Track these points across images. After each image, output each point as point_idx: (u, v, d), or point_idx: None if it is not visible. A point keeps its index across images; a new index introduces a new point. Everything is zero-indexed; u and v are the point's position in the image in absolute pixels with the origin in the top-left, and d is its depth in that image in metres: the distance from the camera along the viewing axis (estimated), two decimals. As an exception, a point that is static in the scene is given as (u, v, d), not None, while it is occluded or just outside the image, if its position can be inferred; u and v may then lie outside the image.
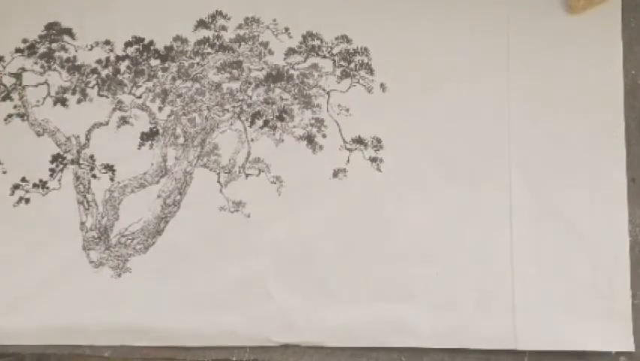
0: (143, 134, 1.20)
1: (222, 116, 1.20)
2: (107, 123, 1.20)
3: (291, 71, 1.21)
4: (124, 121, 1.20)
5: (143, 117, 1.20)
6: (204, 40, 1.23)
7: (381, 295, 1.11)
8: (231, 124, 1.19)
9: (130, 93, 1.22)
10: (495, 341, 1.08)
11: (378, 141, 1.16)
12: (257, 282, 1.12)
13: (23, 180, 1.18)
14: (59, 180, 1.19)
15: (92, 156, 1.19)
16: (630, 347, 1.07)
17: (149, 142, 1.19)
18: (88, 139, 1.20)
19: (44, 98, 1.22)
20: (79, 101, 1.22)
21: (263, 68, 1.21)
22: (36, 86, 1.23)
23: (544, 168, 1.13)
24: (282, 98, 1.20)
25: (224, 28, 1.23)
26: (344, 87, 1.19)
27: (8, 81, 1.23)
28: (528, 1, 1.20)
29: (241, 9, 1.23)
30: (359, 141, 1.17)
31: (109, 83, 1.22)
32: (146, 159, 1.19)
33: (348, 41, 1.21)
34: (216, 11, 1.24)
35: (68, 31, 1.25)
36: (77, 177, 1.18)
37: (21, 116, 1.21)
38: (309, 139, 1.18)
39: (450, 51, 1.19)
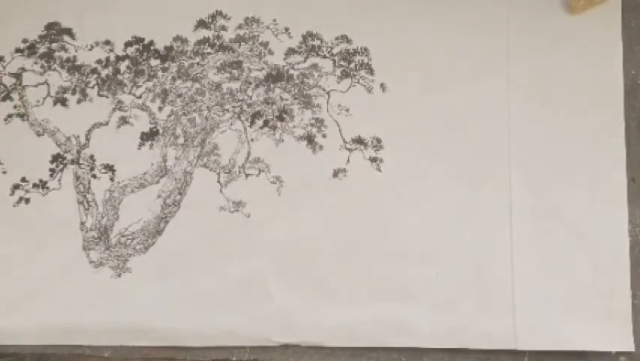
0: (143, 134, 1.20)
1: (222, 116, 1.20)
2: (107, 123, 1.20)
3: (291, 71, 1.21)
4: (124, 121, 1.20)
5: (143, 117, 1.20)
6: (204, 40, 1.23)
7: (381, 295, 1.11)
8: (231, 124, 1.19)
9: (130, 93, 1.22)
10: (495, 341, 1.08)
11: (378, 141, 1.16)
12: (257, 282, 1.12)
13: (23, 180, 1.18)
14: (59, 180, 1.19)
15: (92, 156, 1.19)
16: (630, 347, 1.07)
17: (149, 142, 1.19)
18: (88, 139, 1.20)
19: (44, 98, 1.22)
20: (79, 101, 1.22)
21: (263, 68, 1.21)
22: (36, 86, 1.23)
23: (544, 168, 1.13)
24: (282, 98, 1.20)
25: (224, 28, 1.23)
26: (344, 87, 1.19)
27: (8, 81, 1.23)
28: (528, 1, 1.20)
29: (241, 9, 1.23)
30: (359, 141, 1.17)
31: (109, 83, 1.22)
32: (146, 159, 1.19)
33: (348, 41, 1.21)
34: (216, 11, 1.24)
35: (68, 31, 1.25)
36: (77, 177, 1.18)
37: (21, 116, 1.21)
38: (309, 139, 1.18)
39: (450, 51, 1.19)
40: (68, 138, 1.20)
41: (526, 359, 1.08)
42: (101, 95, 1.22)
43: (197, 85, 1.21)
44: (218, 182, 1.17)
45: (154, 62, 1.22)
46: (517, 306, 1.09)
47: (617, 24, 1.18)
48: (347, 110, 1.18)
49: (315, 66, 1.20)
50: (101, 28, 1.24)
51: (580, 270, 1.10)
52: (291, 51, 1.21)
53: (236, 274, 1.12)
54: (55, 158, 1.19)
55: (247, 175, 1.17)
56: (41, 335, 1.12)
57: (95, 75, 1.23)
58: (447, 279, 1.10)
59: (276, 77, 1.20)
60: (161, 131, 1.20)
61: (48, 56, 1.24)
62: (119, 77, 1.22)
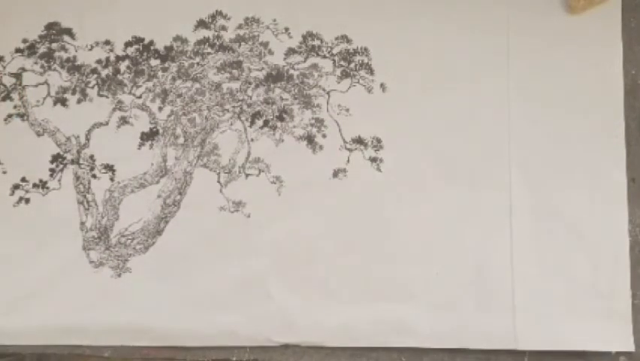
0: (143, 134, 1.20)
1: (222, 116, 1.20)
2: (107, 123, 1.20)
3: (291, 71, 1.21)
4: (124, 121, 1.20)
5: (143, 117, 1.20)
6: (204, 41, 1.23)
7: (381, 295, 1.11)
8: (231, 124, 1.19)
9: (130, 93, 1.22)
10: (495, 341, 1.08)
11: (378, 141, 1.16)
12: (257, 282, 1.12)
13: (23, 180, 1.18)
14: (59, 180, 1.19)
15: (92, 156, 1.19)
16: (630, 347, 1.07)
17: (149, 142, 1.19)
18: (88, 139, 1.20)
19: (44, 98, 1.22)
20: (79, 101, 1.22)
21: (263, 68, 1.21)
22: (36, 86, 1.23)
23: (544, 168, 1.13)
24: (282, 98, 1.20)
25: (224, 28, 1.23)
26: (344, 87, 1.19)
27: (8, 81, 1.23)
28: (528, 1, 1.20)
29: (241, 9, 1.23)
30: (359, 141, 1.17)
31: (109, 83, 1.22)
32: (146, 159, 1.19)
33: (348, 41, 1.21)
34: (216, 11, 1.24)
35: (68, 31, 1.25)
36: (77, 177, 1.18)
37: (21, 116, 1.21)
38: (309, 139, 1.18)
39: (450, 51, 1.19)
40: (68, 138, 1.20)
41: (526, 359, 1.08)
42: (101, 95, 1.22)
43: (197, 85, 1.21)
44: (218, 182, 1.17)
45: (154, 62, 1.22)
46: (517, 306, 1.09)
47: (617, 24, 1.18)
48: (347, 110, 1.18)
49: (315, 66, 1.20)
50: (101, 28, 1.24)
51: (580, 270, 1.10)
52: (291, 51, 1.21)
53: (236, 274, 1.12)
54: (55, 158, 1.19)
55: (247, 175, 1.17)
56: (41, 335, 1.12)
57: (95, 75, 1.23)
58: (447, 279, 1.10)
59: (276, 77, 1.21)
60: (161, 131, 1.20)
61: (48, 56, 1.24)
62: (119, 77, 1.22)
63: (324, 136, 1.18)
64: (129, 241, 1.15)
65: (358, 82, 1.19)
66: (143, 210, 1.16)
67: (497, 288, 1.10)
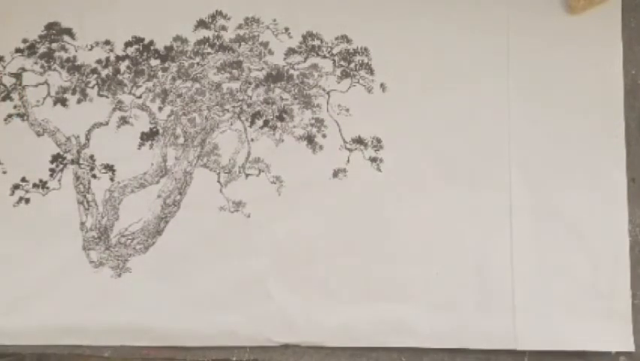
0: (143, 134, 1.20)
1: (222, 116, 1.20)
2: (107, 123, 1.20)
3: (291, 71, 1.21)
4: (124, 121, 1.20)
5: (143, 117, 1.20)
6: (204, 40, 1.23)
7: (381, 295, 1.11)
8: (231, 124, 1.19)
9: (130, 93, 1.22)
10: (495, 341, 1.08)
11: (378, 141, 1.16)
12: (257, 282, 1.12)
13: (23, 180, 1.18)
14: (59, 180, 1.19)
15: (92, 156, 1.19)
16: (630, 347, 1.07)
17: (149, 142, 1.19)
18: (88, 139, 1.20)
19: (44, 98, 1.22)
20: (79, 101, 1.22)
21: (263, 68, 1.21)
22: (36, 86, 1.23)
23: (544, 168, 1.13)
24: (282, 98, 1.20)
25: (224, 28, 1.23)
26: (344, 87, 1.19)
27: (8, 81, 1.23)
28: (528, 1, 1.20)
29: (241, 9, 1.23)
30: (359, 141, 1.17)
31: (109, 83, 1.22)
32: (146, 159, 1.19)
33: (348, 41, 1.21)
34: (216, 11, 1.24)
35: (68, 31, 1.25)
36: (77, 177, 1.18)
37: (21, 116, 1.21)
38: (309, 139, 1.18)
39: (450, 51, 1.19)
40: (68, 138, 1.20)
41: (526, 359, 1.08)
42: (101, 95, 1.22)
43: (197, 85, 1.21)
44: (218, 182, 1.17)
45: (154, 62, 1.22)
46: (517, 306, 1.09)
47: (617, 24, 1.18)
48: (347, 110, 1.18)
49: (315, 66, 1.20)
50: (101, 28, 1.24)
51: (580, 270, 1.10)
52: (291, 51, 1.21)
53: (236, 274, 1.12)
54: (55, 158, 1.19)
55: (247, 175, 1.17)
56: (41, 335, 1.12)
57: (95, 75, 1.23)
58: (447, 279, 1.10)
59: (276, 77, 1.20)
60: (161, 131, 1.20)
61: (48, 56, 1.24)
62: (119, 77, 1.22)
63: (324, 136, 1.18)
64: (129, 241, 1.15)
65: (358, 82, 1.19)
66: (143, 210, 1.16)
67: (497, 288, 1.10)
